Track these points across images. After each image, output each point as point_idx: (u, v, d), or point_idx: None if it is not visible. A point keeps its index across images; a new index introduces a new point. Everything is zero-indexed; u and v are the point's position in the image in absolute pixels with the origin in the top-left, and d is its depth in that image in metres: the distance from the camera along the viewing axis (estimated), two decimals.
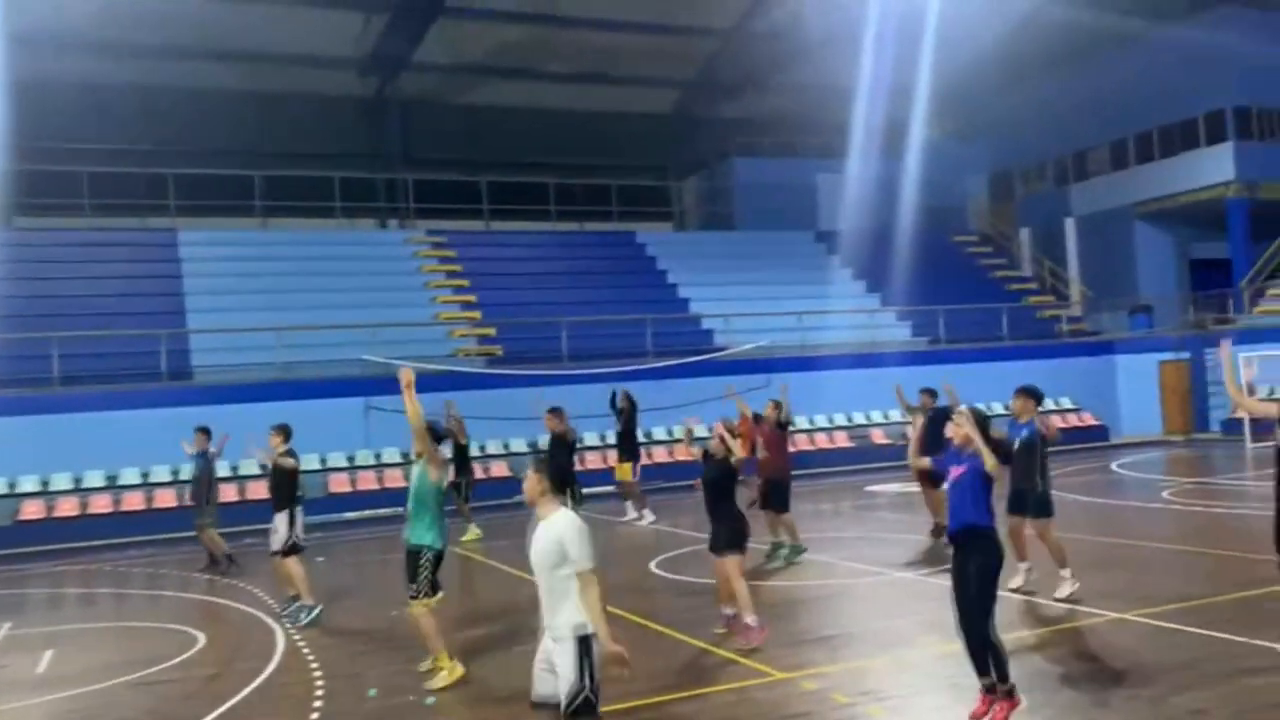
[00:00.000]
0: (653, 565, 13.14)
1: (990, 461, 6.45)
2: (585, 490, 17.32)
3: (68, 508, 19.37)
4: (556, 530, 5.22)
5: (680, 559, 13.46)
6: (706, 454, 9.33)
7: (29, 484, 19.45)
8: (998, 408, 23.73)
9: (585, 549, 5.17)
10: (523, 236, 31.18)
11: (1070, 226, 33.72)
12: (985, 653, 6.47)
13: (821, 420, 25.62)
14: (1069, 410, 27.35)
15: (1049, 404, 23.88)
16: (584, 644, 5.20)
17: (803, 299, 27.86)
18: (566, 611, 5.21)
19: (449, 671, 8.11)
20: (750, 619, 8.82)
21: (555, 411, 15.91)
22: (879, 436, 25.47)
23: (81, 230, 27.23)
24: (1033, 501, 9.86)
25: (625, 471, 18.16)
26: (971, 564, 6.45)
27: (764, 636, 8.75)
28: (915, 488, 15.03)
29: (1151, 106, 31.63)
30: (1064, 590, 9.76)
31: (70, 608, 13.97)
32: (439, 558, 8.35)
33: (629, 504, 18.10)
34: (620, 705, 7.22)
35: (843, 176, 31.90)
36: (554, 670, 5.24)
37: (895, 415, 25.37)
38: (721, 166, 35.09)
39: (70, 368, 20.71)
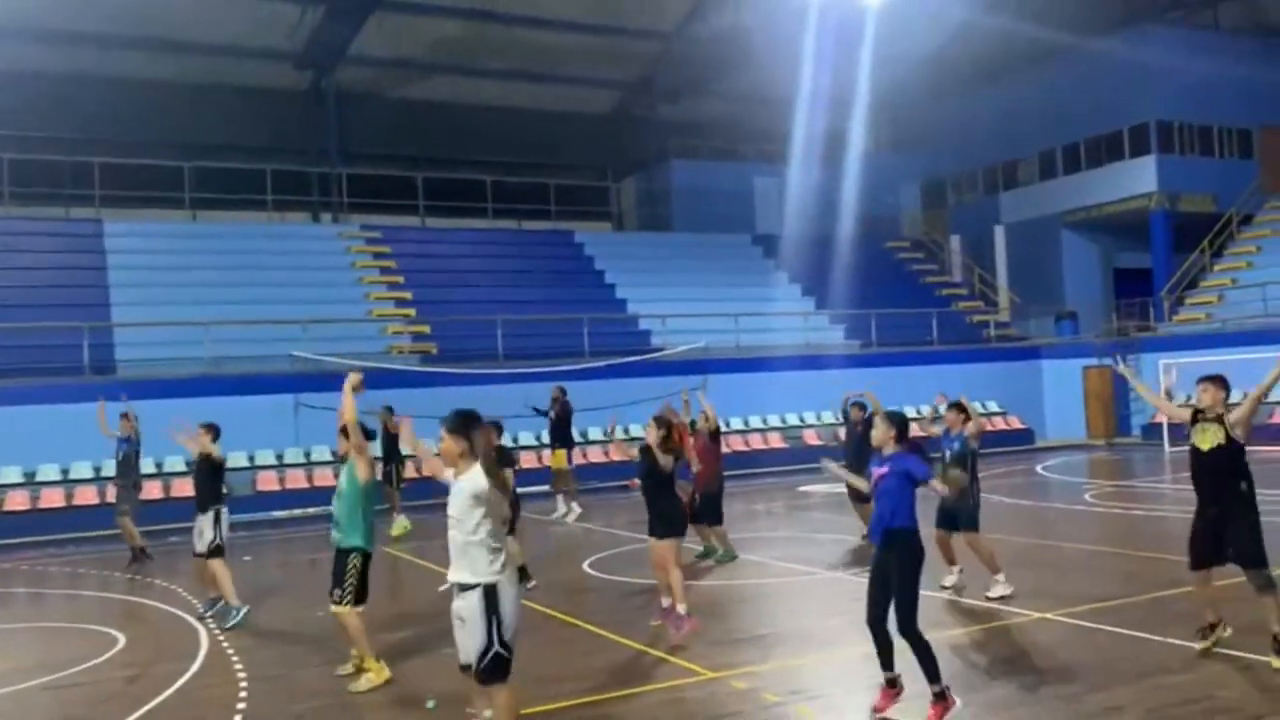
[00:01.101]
0: (586, 565, 13.12)
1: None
2: (519, 490, 17.18)
3: None
4: (473, 481, 5.46)
5: (614, 559, 13.46)
6: (644, 449, 9.37)
7: None
8: (926, 410, 24.18)
9: (502, 500, 5.50)
10: (459, 234, 30.93)
11: (999, 234, 34.46)
12: (891, 647, 6.60)
13: (756, 421, 25.82)
14: (995, 414, 27.92)
15: (976, 408, 24.35)
16: (490, 597, 5.38)
17: (739, 301, 28.07)
18: (475, 564, 5.42)
19: (375, 674, 8.00)
20: (682, 608, 8.91)
21: (494, 424, 15.53)
22: (812, 438, 25.76)
23: (1, 219, 26.38)
24: (964, 517, 10.03)
25: (560, 459, 18.08)
26: (894, 564, 6.55)
27: (693, 628, 8.83)
28: (844, 488, 15.20)
29: (1079, 119, 32.47)
30: (996, 591, 9.96)
31: None
32: (367, 560, 8.24)
33: (559, 499, 18.05)
34: (550, 705, 7.21)
35: (780, 181, 32.25)
36: (465, 628, 5.45)
37: (829, 417, 25.71)
38: (660, 168, 35.21)
39: None
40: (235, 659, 9.08)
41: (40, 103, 27.15)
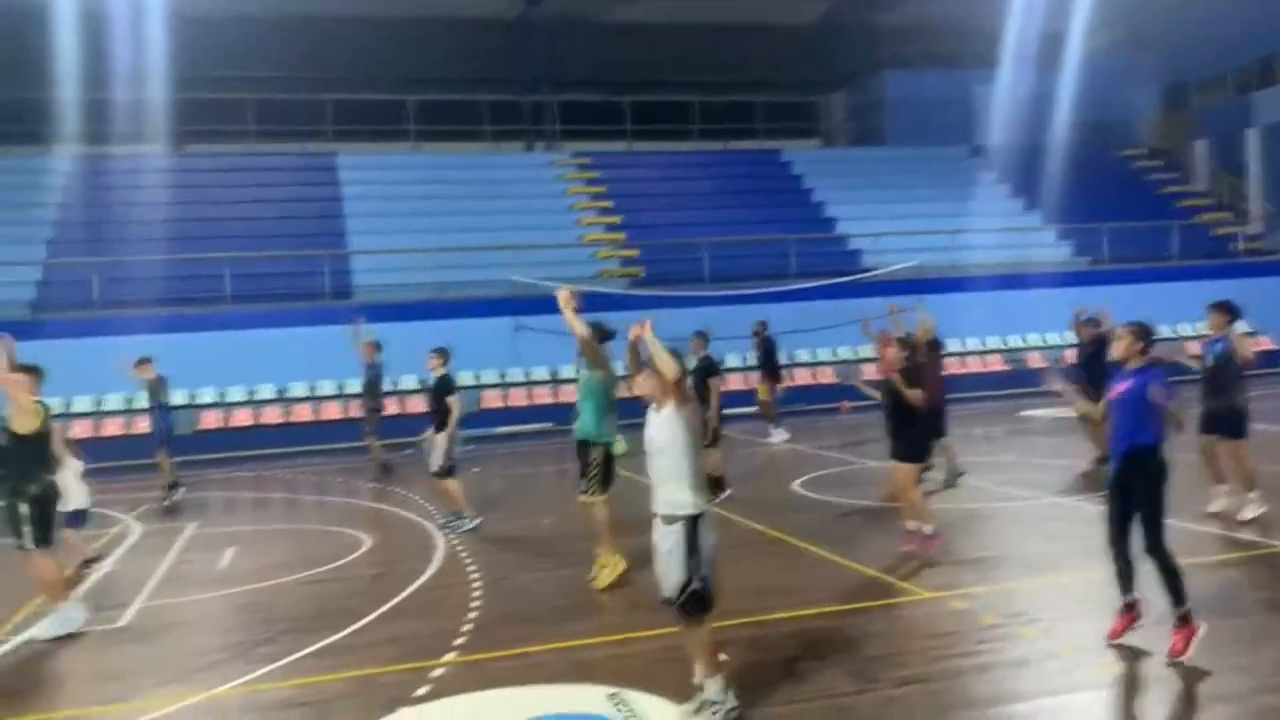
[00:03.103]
0: (795, 485, 13.15)
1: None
2: (725, 412, 17.27)
3: (242, 419, 20.67)
4: (671, 417, 5.56)
5: (823, 480, 13.43)
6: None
7: (207, 396, 20.81)
8: (1164, 331, 22.55)
9: (695, 431, 5.56)
10: (666, 157, 30.97)
11: (1252, 138, 31.28)
12: (1132, 570, 6.33)
13: (974, 343, 24.85)
14: (1245, 334, 25.67)
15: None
16: (690, 530, 5.43)
17: (957, 217, 26.87)
18: (676, 494, 5.51)
19: (611, 567, 8.40)
20: (927, 528, 8.87)
21: (700, 335, 15.52)
22: (1036, 360, 24.57)
23: (247, 156, 28.48)
24: (1225, 421, 9.47)
25: (764, 391, 18.30)
26: (1137, 484, 6.23)
27: (935, 546, 8.76)
28: (1071, 413, 14.50)
29: None
30: (1249, 513, 9.49)
31: (247, 511, 14.99)
32: (609, 451, 8.55)
33: (770, 425, 18.18)
34: (762, 617, 7.33)
35: (1001, 89, 30.34)
36: (665, 560, 5.53)
37: (1053, 339, 24.43)
38: (871, 79, 33.83)
39: (241, 287, 21.89)
40: (469, 562, 9.71)
41: (276, 45, 28.89)
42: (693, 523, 5.45)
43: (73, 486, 9.91)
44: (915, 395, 8.85)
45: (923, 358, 12.44)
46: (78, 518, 10.23)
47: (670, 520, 5.51)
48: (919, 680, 6.04)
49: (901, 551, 8.97)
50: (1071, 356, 15.01)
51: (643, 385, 5.77)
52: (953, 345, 23.81)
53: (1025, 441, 16.84)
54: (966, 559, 8.88)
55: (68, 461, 10.00)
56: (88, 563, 10.27)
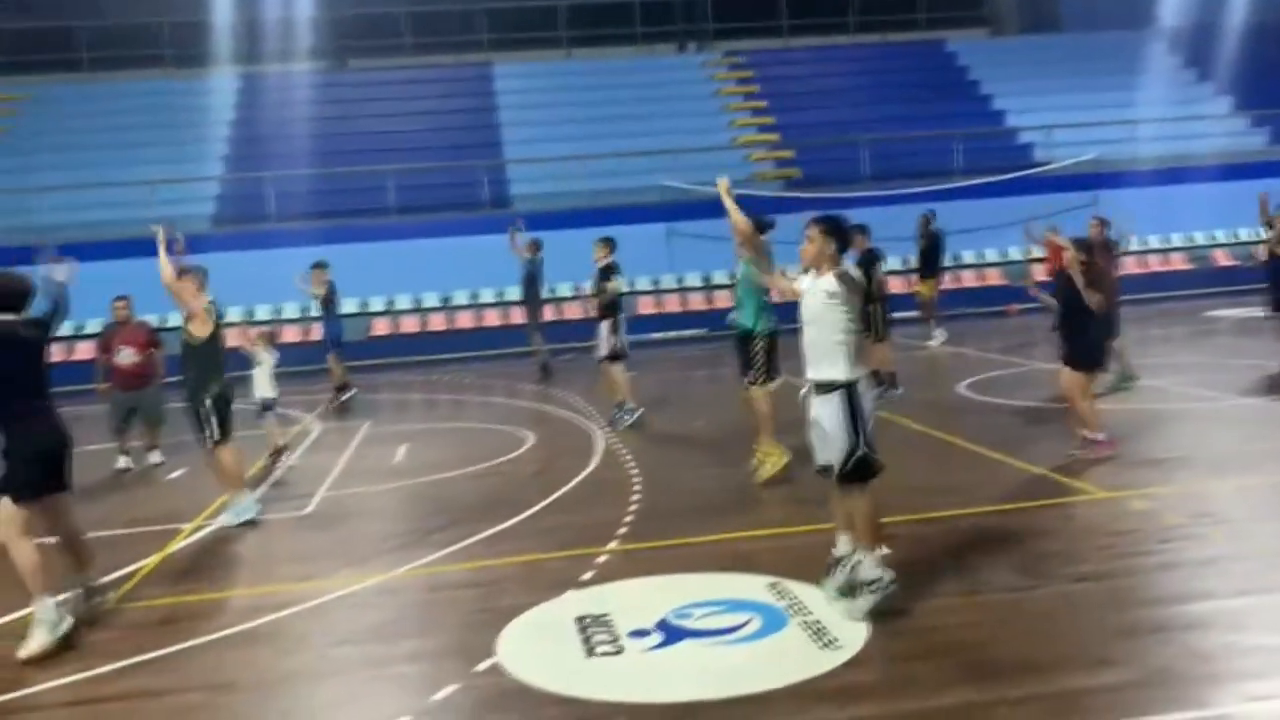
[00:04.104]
0: (961, 387, 12.78)
1: None
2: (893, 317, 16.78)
3: (410, 325, 21.46)
4: (831, 280, 5.41)
5: (989, 382, 13.00)
6: (1061, 273, 8.79)
7: (377, 304, 21.65)
8: None
9: (855, 298, 5.38)
10: (822, 52, 29.89)
11: None
12: None
13: (1155, 241, 23.35)
14: None
15: None
16: (851, 397, 5.34)
17: (1136, 106, 25.07)
18: (835, 364, 5.39)
19: (775, 459, 8.41)
20: (1099, 435, 8.50)
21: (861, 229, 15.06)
22: (1223, 258, 22.95)
23: (405, 69, 28.98)
24: None
25: (928, 288, 17.75)
26: None
27: (1112, 449, 8.43)
28: (1261, 313, 13.51)
29: None
30: None
31: (416, 410, 15.64)
32: (771, 342, 8.51)
33: (931, 324, 17.69)
34: (930, 514, 7.20)
35: None
36: (825, 430, 5.42)
37: (1245, 235, 22.71)
38: None
39: (404, 199, 22.51)
40: (628, 458, 9.88)
41: None
42: (850, 389, 5.34)
43: (260, 379, 11.12)
44: (1095, 298, 8.41)
45: (1099, 259, 11.79)
46: (265, 406, 11.21)
47: (827, 389, 5.41)
48: (1096, 577, 5.80)
49: (1068, 453, 8.61)
50: (1261, 253, 13.87)
51: (804, 252, 5.58)
52: (1132, 244, 22.46)
53: (1211, 342, 15.86)
54: (1148, 459, 8.46)
55: (260, 356, 10.95)
56: (279, 451, 10.99)
